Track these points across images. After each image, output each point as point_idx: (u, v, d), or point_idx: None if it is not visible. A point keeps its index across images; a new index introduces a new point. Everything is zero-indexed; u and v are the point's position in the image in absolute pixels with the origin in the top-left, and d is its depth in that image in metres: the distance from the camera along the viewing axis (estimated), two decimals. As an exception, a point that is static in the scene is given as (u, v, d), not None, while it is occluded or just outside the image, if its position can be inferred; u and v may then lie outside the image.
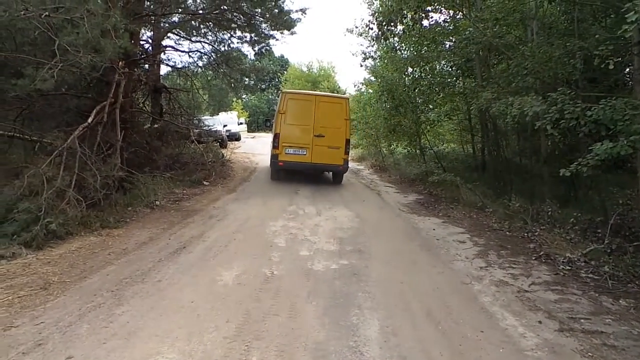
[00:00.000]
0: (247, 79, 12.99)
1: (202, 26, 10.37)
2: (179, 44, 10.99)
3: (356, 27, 11.98)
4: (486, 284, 3.82)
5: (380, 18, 8.46)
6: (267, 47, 13.61)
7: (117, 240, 4.52)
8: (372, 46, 12.89)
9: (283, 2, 9.71)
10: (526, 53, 5.79)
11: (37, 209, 4.20)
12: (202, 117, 12.64)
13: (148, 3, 8.51)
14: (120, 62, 6.45)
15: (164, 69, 11.10)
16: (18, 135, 5.70)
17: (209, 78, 12.15)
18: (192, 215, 5.76)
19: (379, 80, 12.26)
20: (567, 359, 2.62)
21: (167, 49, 10.28)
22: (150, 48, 9.85)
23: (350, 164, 14.14)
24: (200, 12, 9.55)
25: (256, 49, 12.39)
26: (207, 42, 10.97)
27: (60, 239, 4.29)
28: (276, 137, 8.53)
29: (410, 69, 11.15)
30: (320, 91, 25.24)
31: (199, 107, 12.12)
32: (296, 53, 75.42)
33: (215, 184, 8.24)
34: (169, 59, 11.24)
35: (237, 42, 11.25)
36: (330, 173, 9.62)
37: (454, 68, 9.84)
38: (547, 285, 3.83)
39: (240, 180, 9.24)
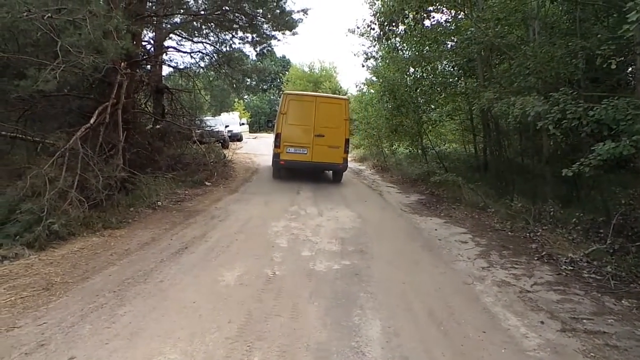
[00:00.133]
0: (248, 80, 13.03)
1: (203, 27, 10.39)
2: (181, 44, 11.06)
3: (358, 28, 11.94)
4: (488, 284, 3.81)
5: (382, 18, 8.48)
6: (269, 48, 13.67)
7: (119, 240, 4.53)
8: (374, 46, 12.89)
9: (285, 3, 9.74)
10: (528, 53, 5.78)
11: (39, 210, 4.21)
12: (204, 118, 12.65)
13: (150, 4, 8.55)
14: (123, 63, 6.48)
15: (165, 70, 11.14)
16: (20, 136, 5.72)
17: (210, 79, 12.16)
18: (194, 215, 5.77)
19: (381, 80, 12.24)
20: (570, 360, 2.61)
21: (169, 49, 10.31)
22: (152, 49, 9.87)
23: (352, 165, 14.29)
24: (202, 12, 9.57)
25: (258, 49, 12.44)
26: (209, 42, 11.02)
27: (63, 240, 4.30)
28: (278, 137, 8.79)
29: (412, 69, 11.12)
30: (322, 91, 25.46)
31: (201, 107, 12.12)
32: (298, 53, 75.64)
33: (217, 185, 8.26)
34: (170, 60, 11.26)
35: (239, 43, 11.33)
36: (331, 172, 9.81)
37: (455, 68, 9.80)
38: (549, 286, 3.82)
39: (242, 180, 9.25)
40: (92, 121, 5.64)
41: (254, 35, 10.60)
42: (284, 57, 41.15)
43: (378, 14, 8.97)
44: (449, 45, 9.79)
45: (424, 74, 10.84)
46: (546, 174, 6.72)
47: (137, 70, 7.91)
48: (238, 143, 19.14)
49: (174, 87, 10.64)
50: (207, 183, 8.18)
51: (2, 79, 5.37)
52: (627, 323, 3.12)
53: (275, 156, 8.94)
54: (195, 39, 10.75)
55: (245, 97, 34.51)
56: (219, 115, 16.26)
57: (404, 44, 11.02)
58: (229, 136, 17.26)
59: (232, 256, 4.14)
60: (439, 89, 10.50)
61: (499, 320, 3.08)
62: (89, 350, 2.38)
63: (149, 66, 9.62)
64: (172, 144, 9.26)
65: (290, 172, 9.57)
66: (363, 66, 16.87)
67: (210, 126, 12.18)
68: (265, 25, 10.20)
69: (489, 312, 3.22)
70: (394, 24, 8.27)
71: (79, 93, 6.86)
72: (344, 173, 9.63)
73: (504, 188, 8.04)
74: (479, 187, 7.76)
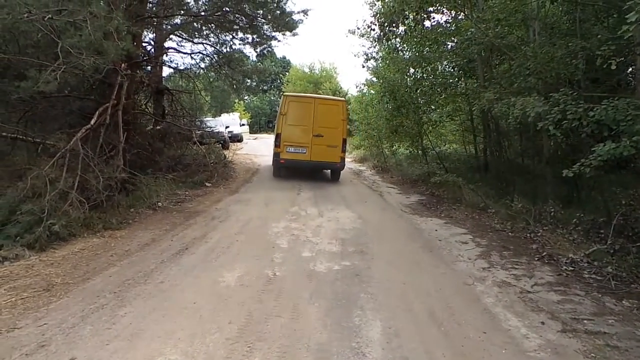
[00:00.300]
0: (249, 81, 13.05)
1: (204, 28, 10.40)
2: (181, 45, 11.08)
3: (358, 28, 11.95)
4: (489, 285, 3.81)
5: (382, 19, 8.50)
6: (269, 49, 13.68)
7: (119, 241, 4.53)
8: (374, 47, 12.92)
9: (285, 4, 9.75)
10: (528, 53, 5.78)
11: (40, 211, 4.22)
12: (204, 119, 12.68)
13: (150, 5, 8.55)
14: (123, 64, 6.48)
15: (166, 71, 11.15)
16: (21, 137, 5.73)
17: (211, 79, 12.17)
18: (194, 216, 5.78)
19: (381, 81, 12.23)
20: (570, 360, 2.61)
21: (169, 50, 10.31)
22: (152, 50, 9.86)
23: (352, 165, 14.35)
24: (203, 13, 9.58)
25: (258, 50, 12.44)
26: (209, 43, 11.02)
27: (63, 241, 4.31)
28: (278, 137, 9.07)
29: (412, 70, 11.12)
30: (322, 92, 25.56)
31: (201, 108, 12.15)
32: (298, 54, 75.80)
33: (217, 185, 8.26)
34: (171, 61, 11.29)
35: (239, 44, 11.36)
36: (329, 171, 10.06)
37: (456, 69, 9.80)
38: (549, 286, 3.82)
39: (242, 181, 9.26)
40: (92, 122, 5.64)
41: (254, 36, 10.62)
42: (284, 58, 41.22)
43: (378, 15, 8.99)
44: (449, 46, 9.78)
45: (424, 75, 10.82)
46: (546, 174, 6.72)
47: (138, 72, 7.91)
48: (238, 144, 19.16)
49: (175, 88, 10.65)
50: (207, 184, 8.19)
51: (3, 80, 5.38)
52: (627, 323, 3.12)
53: (276, 155, 9.25)
54: (195, 40, 10.77)
55: (246, 97, 34.53)
56: (219, 116, 16.29)
57: (404, 45, 11.02)
58: (229, 137, 17.27)
59: (232, 257, 4.14)
60: (439, 89, 10.49)
61: (500, 321, 3.08)
62: (90, 351, 2.38)
63: (149, 67, 9.62)
64: (172, 144, 9.29)
65: (290, 172, 9.68)
66: (363, 67, 16.88)
67: (211, 127, 12.20)
68: (265, 26, 10.23)
69: (489, 313, 3.22)
70: (394, 24, 8.29)
71: (79, 94, 6.87)
72: (344, 173, 9.75)
73: (505, 188, 8.03)
74: (479, 188, 7.76)
